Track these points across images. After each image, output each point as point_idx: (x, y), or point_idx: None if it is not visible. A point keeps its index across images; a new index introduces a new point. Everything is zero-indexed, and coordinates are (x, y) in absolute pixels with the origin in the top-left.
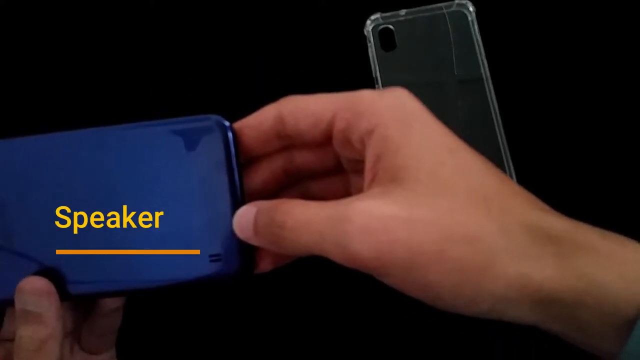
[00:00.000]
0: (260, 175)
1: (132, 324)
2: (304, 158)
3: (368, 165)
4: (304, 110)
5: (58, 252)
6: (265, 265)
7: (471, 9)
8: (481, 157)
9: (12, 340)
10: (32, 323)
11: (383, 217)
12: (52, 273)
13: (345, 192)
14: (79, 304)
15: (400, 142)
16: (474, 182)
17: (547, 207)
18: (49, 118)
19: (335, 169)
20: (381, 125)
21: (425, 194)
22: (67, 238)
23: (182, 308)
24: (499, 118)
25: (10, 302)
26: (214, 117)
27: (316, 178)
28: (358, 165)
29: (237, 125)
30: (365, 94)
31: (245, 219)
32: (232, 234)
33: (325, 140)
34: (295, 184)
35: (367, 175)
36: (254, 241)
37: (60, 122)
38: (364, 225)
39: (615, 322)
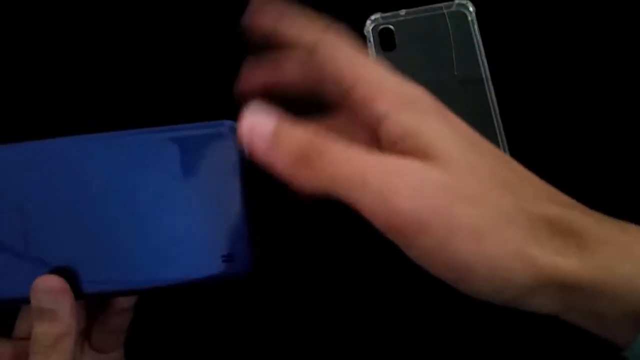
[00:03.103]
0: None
1: (140, 323)
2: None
3: (386, 145)
4: (333, 62)
5: (72, 251)
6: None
7: (471, 9)
8: (498, 150)
9: (24, 338)
10: (47, 320)
11: (432, 180)
12: (66, 272)
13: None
14: (92, 303)
15: (430, 124)
16: (499, 172)
17: (567, 200)
18: (51, 120)
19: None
20: (412, 104)
21: (464, 172)
22: (81, 238)
23: (189, 308)
24: (499, 118)
25: (24, 301)
26: (227, 123)
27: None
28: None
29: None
30: (387, 82)
31: (261, 129)
32: (244, 235)
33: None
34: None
35: (387, 141)
36: (267, 158)
37: (64, 124)
38: (415, 183)
39: (632, 312)
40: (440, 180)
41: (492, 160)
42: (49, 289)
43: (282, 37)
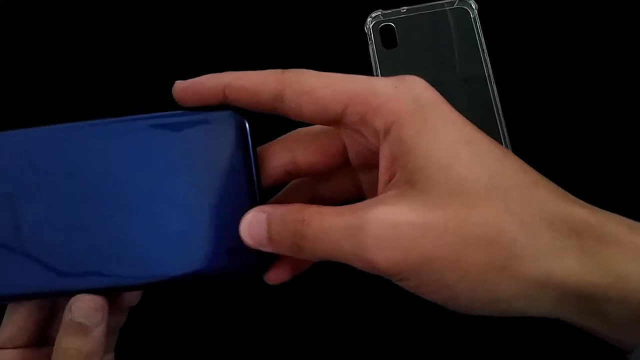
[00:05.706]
0: (262, 175)
1: (130, 327)
2: (306, 158)
3: (383, 164)
4: (310, 95)
5: (72, 245)
6: (283, 275)
7: (473, 6)
8: (500, 146)
9: (9, 348)
10: (82, 335)
11: (397, 224)
12: (66, 267)
13: (357, 190)
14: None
15: (416, 141)
16: (493, 175)
17: (569, 196)
18: (49, 119)
19: (341, 166)
20: (397, 123)
21: (440, 195)
22: (82, 230)
23: (184, 310)
24: (501, 116)
25: (10, 299)
26: (232, 110)
27: (324, 179)
28: (368, 158)
29: (230, 79)
30: (380, 87)
31: (256, 226)
32: None
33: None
34: (303, 186)
35: (383, 175)
36: (267, 248)
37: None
38: (379, 235)
39: (639, 315)
40: (408, 221)
41: (486, 162)
42: (90, 302)
43: (242, 91)
